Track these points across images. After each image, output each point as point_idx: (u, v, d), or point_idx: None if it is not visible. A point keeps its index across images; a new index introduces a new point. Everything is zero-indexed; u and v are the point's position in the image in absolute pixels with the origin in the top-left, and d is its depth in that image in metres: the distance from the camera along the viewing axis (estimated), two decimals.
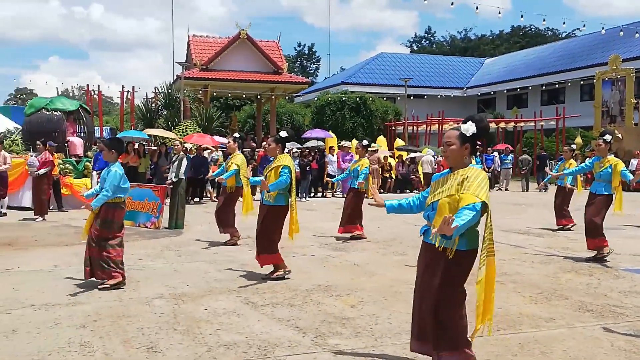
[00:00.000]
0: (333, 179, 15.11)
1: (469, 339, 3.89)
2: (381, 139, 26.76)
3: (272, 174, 7.14)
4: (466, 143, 3.84)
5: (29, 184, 14.20)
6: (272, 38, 29.54)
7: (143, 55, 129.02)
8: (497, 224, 3.81)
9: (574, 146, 12.97)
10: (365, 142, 11.17)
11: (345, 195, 11.49)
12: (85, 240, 6.71)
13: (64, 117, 17.43)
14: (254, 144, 25.02)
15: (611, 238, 8.86)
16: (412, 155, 23.18)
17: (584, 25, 40.39)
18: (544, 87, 38.85)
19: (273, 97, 28.48)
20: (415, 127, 33.76)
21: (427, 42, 73.42)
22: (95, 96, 28.70)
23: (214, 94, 29.25)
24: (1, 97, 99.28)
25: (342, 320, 5.44)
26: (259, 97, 30.74)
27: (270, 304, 6.01)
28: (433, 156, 21.61)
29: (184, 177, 11.69)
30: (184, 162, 11.72)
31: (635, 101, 28.78)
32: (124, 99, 27.06)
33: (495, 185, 24.23)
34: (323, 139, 25.08)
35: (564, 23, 35.06)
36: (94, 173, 14.56)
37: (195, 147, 17.99)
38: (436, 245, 3.78)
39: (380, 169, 21.70)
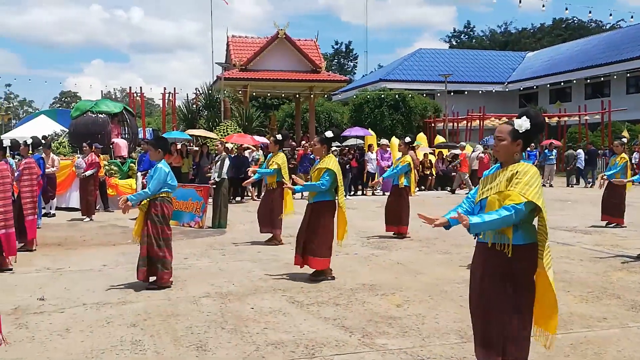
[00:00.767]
0: (383, 175, 15.00)
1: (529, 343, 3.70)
2: (421, 136, 26.52)
3: (315, 175, 7.17)
4: (518, 139, 3.69)
5: (76, 185, 14.58)
6: (308, 36, 29.65)
7: (182, 56, 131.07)
8: None
9: (624, 140, 12.59)
10: (407, 139, 11.11)
11: (388, 194, 11.40)
12: (137, 242, 6.83)
13: (109, 119, 17.81)
14: (293, 143, 25.11)
15: None
16: (454, 151, 22.88)
17: (632, 17, 38.95)
18: (588, 81, 37.88)
19: (311, 95, 28.54)
20: (455, 124, 33.36)
21: (466, 37, 72.46)
22: (137, 98, 29.29)
23: (253, 93, 29.49)
24: (48, 100, 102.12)
25: (388, 320, 5.42)
26: (297, 96, 30.85)
27: (315, 303, 6.02)
28: (482, 152, 21.33)
29: (226, 177, 11.83)
30: (226, 162, 11.86)
31: None
32: (166, 101, 27.48)
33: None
34: (362, 137, 25.00)
35: (611, 15, 34.12)
36: (139, 174, 14.80)
37: (236, 147, 18.16)
38: (484, 239, 3.68)
39: (420, 166, 21.52)
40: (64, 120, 25.48)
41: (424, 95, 36.79)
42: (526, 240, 3.61)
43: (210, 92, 26.76)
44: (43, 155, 12.68)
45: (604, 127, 30.52)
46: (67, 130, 19.44)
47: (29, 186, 9.01)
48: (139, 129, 24.17)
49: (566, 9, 36.75)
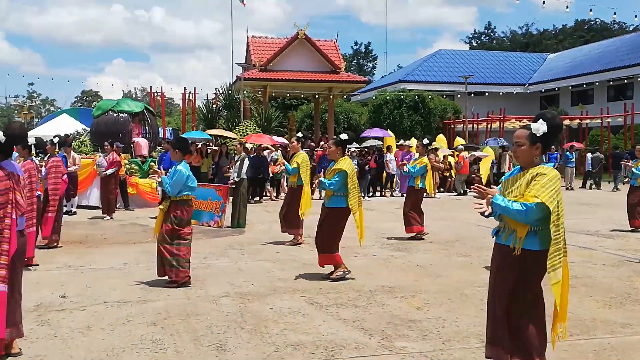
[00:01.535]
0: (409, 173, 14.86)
1: (544, 345, 3.75)
2: (440, 138, 26.39)
3: (329, 177, 7.19)
4: (537, 143, 3.72)
5: (97, 183, 14.72)
6: (328, 37, 29.61)
7: (202, 56, 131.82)
8: (565, 224, 3.69)
9: None
10: (425, 141, 11.08)
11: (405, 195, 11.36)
12: (156, 239, 6.90)
13: (130, 118, 17.97)
14: (312, 144, 25.12)
15: None
16: (474, 153, 22.71)
17: None
18: (611, 83, 37.36)
19: (331, 96, 28.52)
20: (475, 125, 33.12)
21: (487, 38, 71.90)
22: (158, 97, 29.50)
23: (273, 94, 29.53)
24: (69, 99, 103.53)
25: (408, 323, 5.39)
26: (316, 96, 30.84)
27: (334, 305, 6.01)
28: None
29: (245, 177, 11.87)
30: (245, 162, 11.91)
31: None
32: (186, 100, 27.64)
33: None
34: (381, 138, 24.93)
35: (636, 16, 33.44)
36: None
37: (255, 147, 18.22)
38: (504, 241, 3.72)
39: (443, 169, 21.41)
40: (86, 119, 25.73)
41: (444, 96, 36.59)
42: (542, 246, 3.66)
43: (230, 92, 26.86)
44: (65, 153, 12.82)
45: (626, 130, 30.09)
46: (89, 129, 19.63)
47: (54, 184, 9.13)
48: (159, 129, 24.36)
49: (590, 10, 36.23)
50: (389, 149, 21.00)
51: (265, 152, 18.71)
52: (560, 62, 44.72)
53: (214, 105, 26.46)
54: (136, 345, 4.74)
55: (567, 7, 26.81)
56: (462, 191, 20.63)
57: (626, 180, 11.64)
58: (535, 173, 3.64)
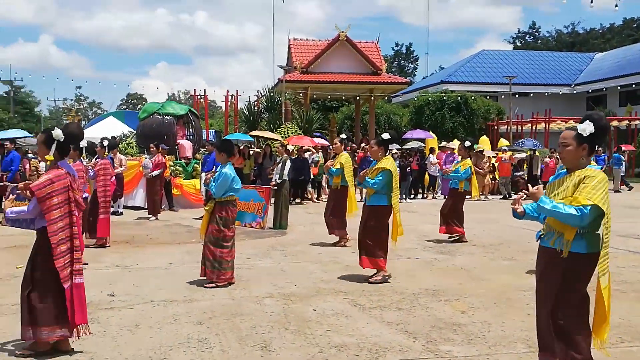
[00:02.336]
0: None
1: (589, 350, 3.67)
2: (484, 139, 26.00)
3: (372, 175, 7.17)
4: (583, 143, 3.66)
5: (143, 184, 15.05)
6: (369, 38, 29.59)
7: (244, 59, 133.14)
8: (613, 228, 3.61)
9: None
10: (467, 143, 10.93)
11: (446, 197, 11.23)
12: (202, 240, 7.01)
13: (175, 121, 18.28)
14: (354, 145, 25.10)
15: None
16: (518, 155, 22.28)
17: None
18: None
19: (372, 98, 28.44)
20: (519, 127, 32.54)
21: (531, 37, 70.51)
22: (201, 100, 29.94)
23: (314, 96, 29.65)
24: (115, 102, 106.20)
25: (452, 326, 5.33)
26: (357, 98, 30.82)
27: (377, 307, 5.99)
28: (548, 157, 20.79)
29: (287, 179, 11.94)
30: (287, 164, 11.98)
31: None
32: (228, 103, 27.97)
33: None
34: (423, 140, 24.73)
35: None
36: (203, 175, 15.12)
37: (296, 148, 18.30)
38: (551, 245, 3.65)
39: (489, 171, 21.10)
40: (131, 121, 26.32)
41: (487, 97, 36.07)
42: (589, 249, 3.61)
43: (271, 94, 27.09)
44: (112, 155, 13.13)
45: None
46: (135, 131, 20.05)
47: (103, 186, 9.37)
48: (203, 131, 24.72)
49: None
50: (431, 150, 20.82)
51: (307, 154, 18.78)
52: (608, 62, 43.52)
53: (256, 108, 26.71)
54: (183, 344, 4.82)
55: (616, 6, 25.91)
56: (506, 194, 20.26)
57: None
58: (583, 176, 3.59)
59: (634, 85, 37.96)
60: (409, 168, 18.85)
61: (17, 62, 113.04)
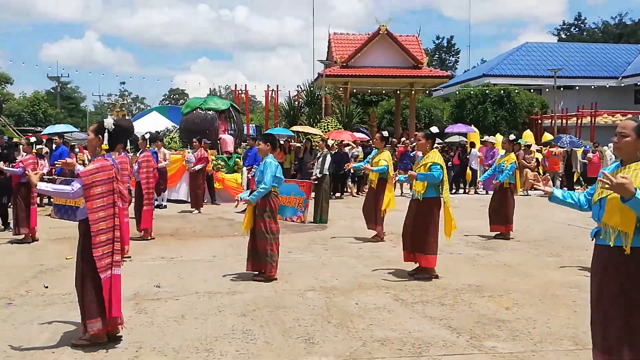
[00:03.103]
0: (480, 177, 14.57)
1: None
2: (528, 133, 25.55)
3: (421, 170, 7.09)
4: None
5: (186, 178, 15.32)
6: (409, 32, 29.38)
7: (283, 54, 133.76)
8: None
9: None
10: (512, 137, 10.73)
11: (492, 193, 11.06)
12: (245, 235, 7.07)
13: (217, 116, 18.51)
14: (394, 140, 24.97)
15: None
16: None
17: None
18: None
19: (412, 92, 28.22)
20: (564, 120, 31.82)
21: (577, 29, 68.74)
22: (242, 95, 30.22)
23: (354, 90, 29.56)
24: (158, 97, 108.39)
25: (497, 322, 5.27)
26: (398, 92, 30.63)
27: (420, 302, 5.97)
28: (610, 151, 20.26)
29: (327, 173, 11.97)
30: (328, 159, 12.01)
31: None
32: (269, 98, 28.16)
33: None
34: (465, 134, 24.43)
35: None
36: (244, 169, 15.31)
37: (336, 143, 18.31)
38: (610, 243, 3.48)
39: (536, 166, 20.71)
40: (174, 116, 26.78)
41: (531, 90, 35.36)
42: None
43: (311, 89, 27.15)
44: (156, 149, 13.40)
45: None
46: (178, 126, 20.38)
47: (146, 178, 9.57)
48: (244, 125, 24.96)
49: None
50: (472, 145, 20.56)
51: (347, 149, 18.78)
52: None
53: (296, 102, 26.82)
54: (228, 335, 4.90)
55: None
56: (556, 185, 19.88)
57: None
58: None
59: None
60: (450, 162, 18.66)
61: (64, 58, 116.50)
